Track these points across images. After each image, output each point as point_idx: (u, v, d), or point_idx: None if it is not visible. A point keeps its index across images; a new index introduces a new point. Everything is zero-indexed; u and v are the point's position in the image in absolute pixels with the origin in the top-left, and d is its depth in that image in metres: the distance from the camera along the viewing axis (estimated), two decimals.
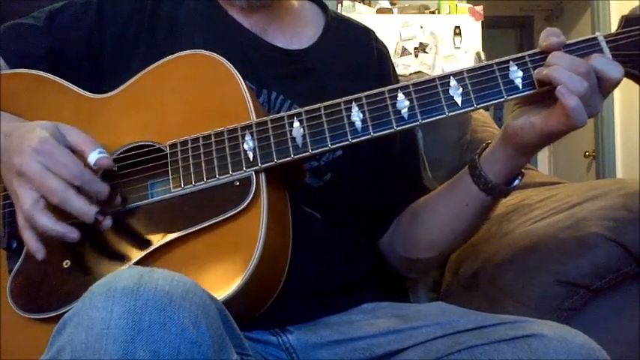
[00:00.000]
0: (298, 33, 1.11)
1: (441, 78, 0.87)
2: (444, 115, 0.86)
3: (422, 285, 1.34)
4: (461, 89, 0.86)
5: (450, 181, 1.05)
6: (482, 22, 3.95)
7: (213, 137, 0.89)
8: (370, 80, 1.07)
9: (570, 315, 1.00)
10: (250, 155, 0.87)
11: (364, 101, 0.87)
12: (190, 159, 0.88)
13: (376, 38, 1.20)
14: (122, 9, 1.06)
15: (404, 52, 3.83)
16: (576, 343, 0.77)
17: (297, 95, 1.02)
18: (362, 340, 0.91)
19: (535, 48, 0.88)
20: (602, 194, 1.09)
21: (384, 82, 0.95)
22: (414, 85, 0.87)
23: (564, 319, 0.99)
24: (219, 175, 0.87)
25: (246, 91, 0.90)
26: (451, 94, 0.86)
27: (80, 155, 0.85)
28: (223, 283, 0.81)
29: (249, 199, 0.85)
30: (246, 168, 0.86)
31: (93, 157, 0.85)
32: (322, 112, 0.87)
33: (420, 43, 3.86)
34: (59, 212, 0.83)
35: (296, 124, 0.87)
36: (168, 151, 0.90)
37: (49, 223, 0.83)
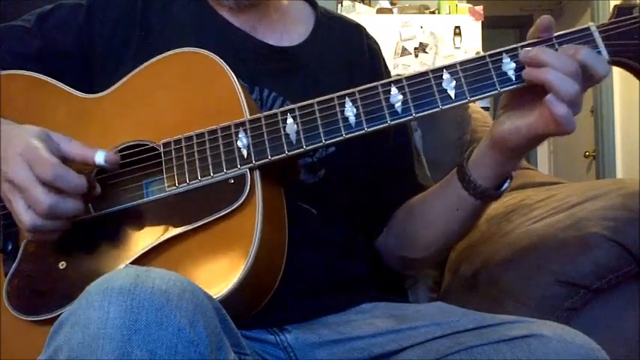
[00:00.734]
0: (288, 30, 1.11)
1: (433, 71, 0.86)
2: (438, 109, 0.85)
3: (421, 285, 1.34)
4: (454, 82, 0.85)
5: (440, 184, 1.04)
6: (482, 22, 3.95)
7: (206, 135, 0.88)
8: (362, 76, 1.07)
9: (570, 315, 1.00)
10: (244, 152, 0.86)
11: (357, 96, 0.87)
12: (184, 157, 0.88)
13: (367, 34, 1.21)
14: (112, 9, 1.06)
15: (404, 52, 3.83)
16: (576, 343, 0.77)
17: (289, 92, 1.02)
18: (360, 340, 0.91)
19: None
20: (602, 194, 1.09)
21: (375, 77, 0.95)
22: (407, 79, 0.87)
23: (564, 319, 0.99)
24: (213, 173, 0.87)
25: (239, 88, 0.90)
26: (444, 87, 0.85)
27: (83, 166, 0.85)
28: (220, 281, 0.80)
29: (244, 196, 0.84)
30: (241, 165, 0.86)
31: (100, 157, 0.84)
32: (315, 107, 0.87)
33: (420, 43, 3.86)
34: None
35: (290, 120, 0.87)
36: (162, 150, 0.89)
37: (54, 223, 0.82)
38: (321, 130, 0.86)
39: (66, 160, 0.84)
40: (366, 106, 0.86)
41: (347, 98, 0.87)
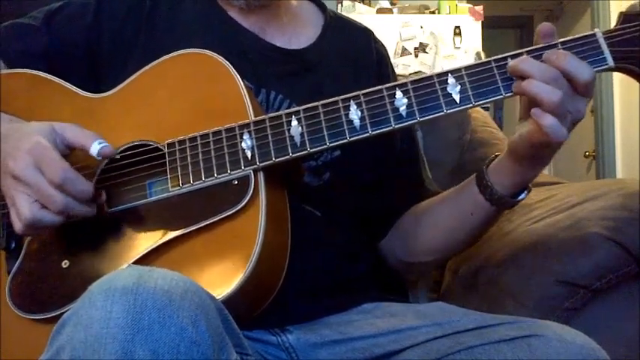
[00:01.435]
0: (297, 33, 1.10)
1: (439, 75, 0.87)
2: (442, 113, 0.86)
3: (422, 285, 1.34)
4: (459, 87, 0.86)
5: (456, 189, 1.04)
6: (482, 22, 3.95)
7: (211, 136, 0.88)
8: (369, 80, 1.07)
9: (570, 315, 1.00)
10: (249, 154, 0.87)
11: (362, 99, 0.87)
12: (188, 158, 0.88)
13: (375, 39, 1.20)
14: (120, 8, 1.06)
15: (404, 52, 3.83)
16: (576, 343, 0.77)
17: (295, 95, 1.01)
18: (362, 340, 0.91)
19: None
20: (602, 194, 1.09)
21: (382, 81, 0.95)
22: (412, 82, 0.87)
23: (564, 319, 0.99)
24: (217, 174, 0.87)
25: (245, 89, 0.90)
26: (449, 91, 0.86)
27: (81, 150, 0.85)
28: (222, 281, 0.80)
29: (248, 197, 0.84)
30: (245, 167, 0.86)
31: (94, 148, 0.85)
32: (320, 110, 0.87)
33: (420, 43, 3.85)
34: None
35: (294, 122, 0.87)
36: (166, 150, 0.90)
37: (53, 217, 0.83)
38: (325, 132, 0.86)
39: (72, 149, 0.85)
40: (370, 109, 0.86)
41: (352, 101, 0.87)
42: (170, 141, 0.90)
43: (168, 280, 0.65)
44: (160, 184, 0.90)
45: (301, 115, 0.87)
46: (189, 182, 0.87)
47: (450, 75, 0.86)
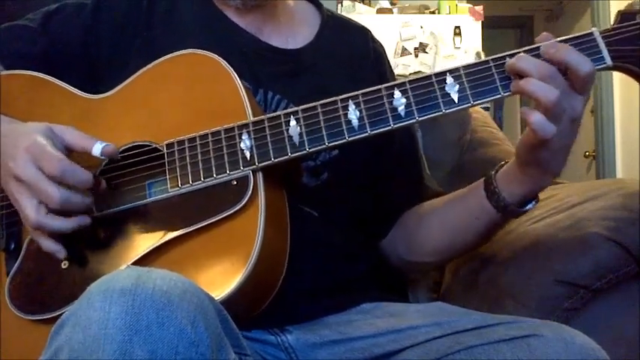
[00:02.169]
0: (294, 32, 1.11)
1: (437, 75, 0.87)
2: (441, 112, 0.86)
3: (422, 285, 1.34)
4: (457, 86, 0.86)
5: (463, 191, 1.04)
6: (482, 22, 3.95)
7: (210, 137, 0.89)
8: (367, 79, 1.07)
9: (570, 315, 1.00)
10: (247, 154, 0.87)
11: (361, 99, 0.87)
12: (187, 158, 0.88)
13: (373, 37, 1.20)
14: (117, 10, 1.06)
15: (404, 52, 3.83)
16: (576, 343, 0.77)
17: (293, 94, 1.01)
18: (361, 340, 0.91)
19: None
20: (602, 194, 1.09)
21: (380, 80, 0.95)
22: (411, 82, 0.87)
23: (564, 319, 0.99)
24: (216, 174, 0.87)
25: (243, 90, 0.90)
26: (447, 90, 0.86)
27: (81, 152, 0.85)
28: (222, 282, 0.81)
29: (247, 198, 0.84)
30: (244, 167, 0.86)
31: (97, 148, 0.85)
32: (319, 110, 0.87)
33: (420, 43, 3.85)
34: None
35: (293, 122, 0.87)
36: (165, 150, 0.90)
37: (60, 224, 0.83)
38: (324, 132, 0.86)
39: (70, 150, 0.85)
40: (369, 109, 0.86)
41: (350, 101, 0.87)
42: (169, 141, 0.90)
43: (167, 280, 0.65)
44: (159, 185, 0.90)
45: (300, 115, 0.87)
46: (189, 183, 0.88)
47: (448, 74, 0.86)
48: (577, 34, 0.86)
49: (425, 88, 0.86)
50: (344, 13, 3.43)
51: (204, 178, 0.87)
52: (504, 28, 6.12)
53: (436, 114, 0.86)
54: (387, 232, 1.12)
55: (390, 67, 1.21)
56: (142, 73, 0.96)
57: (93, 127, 0.93)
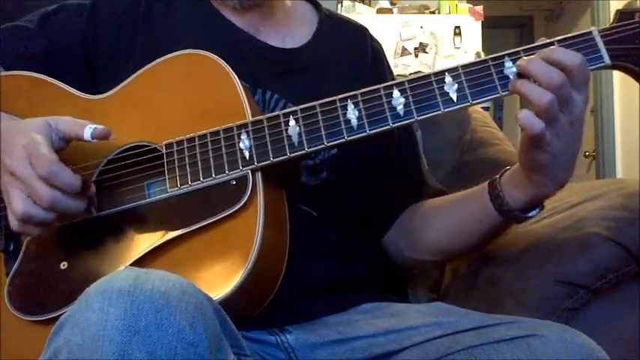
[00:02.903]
0: (291, 32, 1.11)
1: (436, 74, 0.87)
2: (440, 112, 0.86)
3: (422, 285, 1.34)
4: (456, 85, 0.86)
5: (466, 193, 1.04)
6: (482, 22, 3.95)
7: (209, 137, 0.89)
8: (365, 78, 1.07)
9: (570, 315, 1.00)
10: (246, 154, 0.87)
11: (360, 99, 0.87)
12: (186, 159, 0.88)
13: (370, 36, 1.20)
14: (115, 10, 1.06)
15: (404, 52, 3.83)
16: (576, 343, 0.77)
17: (291, 94, 1.02)
18: (361, 340, 0.91)
19: None
20: (602, 194, 1.09)
21: (379, 79, 0.95)
22: (410, 81, 0.87)
23: (564, 319, 0.98)
24: (215, 174, 0.87)
25: (242, 90, 0.90)
26: (446, 90, 0.86)
27: (81, 151, 0.86)
28: (221, 282, 0.81)
29: (246, 198, 0.84)
30: (243, 167, 0.86)
31: (87, 132, 0.85)
32: (318, 110, 0.87)
33: (420, 43, 3.85)
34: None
35: (292, 122, 0.87)
36: (164, 151, 0.90)
37: (45, 214, 0.83)
38: (323, 132, 0.86)
39: (68, 141, 0.86)
40: (368, 108, 0.86)
41: (349, 100, 0.87)
42: (168, 142, 0.90)
43: (165, 281, 0.65)
44: (158, 185, 0.90)
45: (299, 114, 0.87)
46: (188, 183, 0.88)
47: (447, 74, 0.86)
48: (575, 34, 0.86)
49: (424, 87, 0.86)
50: (344, 13, 3.43)
51: (203, 179, 0.87)
52: (504, 28, 6.12)
53: (435, 113, 0.86)
54: (386, 231, 1.12)
55: (389, 65, 1.21)
56: (141, 74, 0.96)
57: None
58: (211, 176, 0.87)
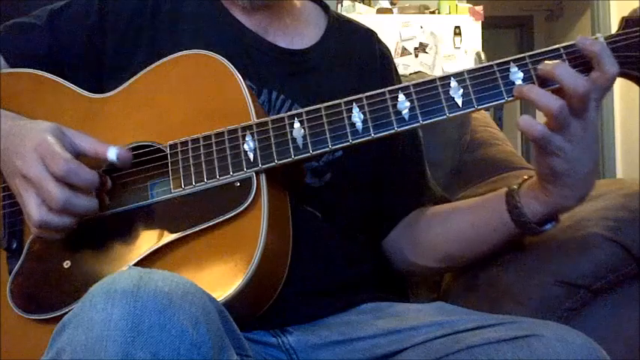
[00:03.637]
0: (300, 33, 1.10)
1: (441, 79, 0.87)
2: (445, 117, 0.86)
3: (422, 285, 1.34)
4: (461, 90, 0.86)
5: (482, 199, 1.03)
6: (482, 22, 3.95)
7: (213, 138, 0.89)
8: (372, 81, 1.07)
9: (570, 315, 1.00)
10: (251, 156, 0.87)
11: (365, 102, 0.87)
12: (191, 159, 0.88)
13: (378, 40, 1.20)
14: (123, 8, 1.05)
15: (404, 52, 3.83)
16: (576, 343, 0.77)
17: (298, 95, 1.02)
18: (362, 341, 0.91)
19: (535, 48, 0.88)
20: (602, 194, 1.09)
21: (386, 83, 0.95)
22: (415, 85, 0.87)
23: (564, 319, 0.98)
24: (219, 175, 0.87)
25: (247, 91, 0.90)
26: (452, 94, 0.86)
27: (94, 157, 0.86)
28: (224, 283, 0.81)
29: (250, 199, 0.85)
30: (247, 169, 0.86)
31: (112, 153, 0.85)
32: (323, 112, 0.87)
33: (420, 43, 3.86)
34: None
35: (296, 124, 0.87)
36: (168, 151, 0.90)
37: (62, 220, 0.83)
38: (327, 135, 0.86)
39: (79, 155, 0.85)
40: (373, 112, 0.86)
41: (354, 104, 0.87)
42: (172, 142, 0.90)
43: (169, 282, 0.65)
44: (161, 186, 0.90)
45: (304, 117, 0.87)
46: (191, 184, 0.88)
47: (452, 78, 0.86)
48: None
49: (429, 91, 0.86)
50: (344, 13, 3.43)
51: (207, 180, 0.87)
52: (504, 28, 6.12)
53: (440, 118, 0.86)
54: (388, 233, 1.12)
55: (396, 69, 1.21)
56: (146, 73, 0.96)
57: (96, 126, 0.94)
58: (215, 177, 0.87)
